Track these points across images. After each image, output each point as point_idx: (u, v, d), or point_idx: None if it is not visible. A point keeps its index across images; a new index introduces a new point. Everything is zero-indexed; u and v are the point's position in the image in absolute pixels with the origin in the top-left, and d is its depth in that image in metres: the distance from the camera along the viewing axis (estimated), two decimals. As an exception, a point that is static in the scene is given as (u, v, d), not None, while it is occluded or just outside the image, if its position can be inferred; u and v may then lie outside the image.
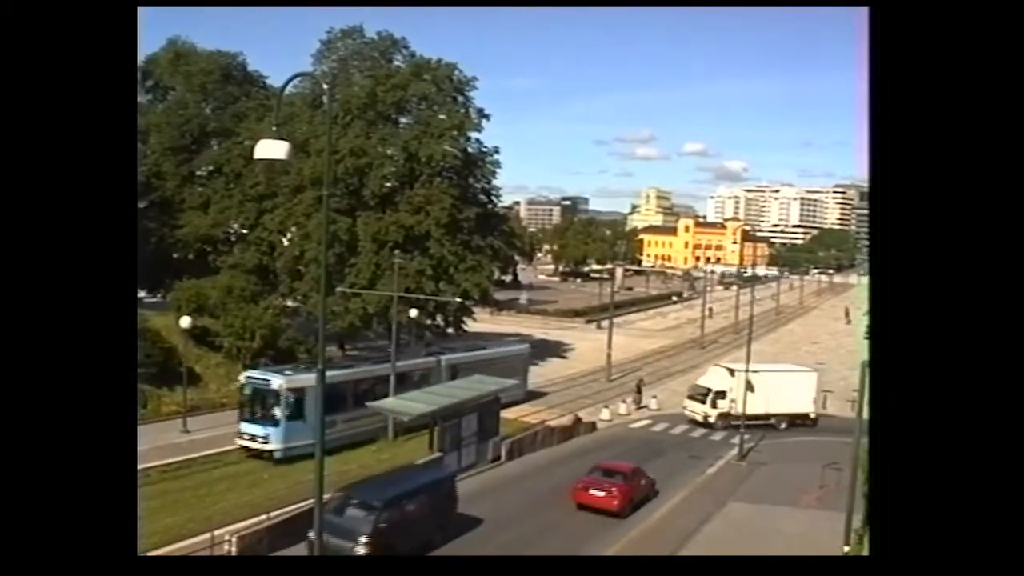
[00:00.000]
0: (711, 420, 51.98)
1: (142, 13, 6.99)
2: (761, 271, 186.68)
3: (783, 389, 53.52)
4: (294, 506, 26.48)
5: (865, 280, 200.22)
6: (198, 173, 70.37)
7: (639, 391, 59.11)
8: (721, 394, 52.26)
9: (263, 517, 25.96)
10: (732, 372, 52.14)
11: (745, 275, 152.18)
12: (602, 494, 32.79)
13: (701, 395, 53.38)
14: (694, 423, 52.66)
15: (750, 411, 47.55)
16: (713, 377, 54.41)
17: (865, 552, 12.20)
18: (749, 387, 47.76)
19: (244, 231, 68.32)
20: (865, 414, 22.86)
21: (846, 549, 20.50)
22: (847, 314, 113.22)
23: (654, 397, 58.00)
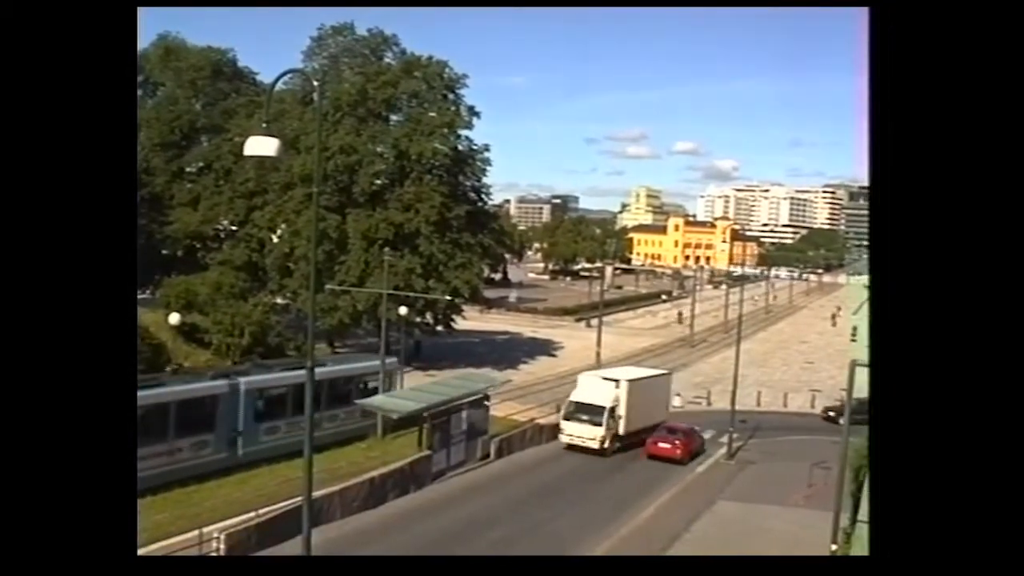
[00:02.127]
0: (605, 444, 42.18)
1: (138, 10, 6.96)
2: (757, 271, 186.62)
3: (657, 396, 48.24)
4: (283, 503, 26.43)
5: (854, 280, 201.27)
6: (188, 169, 70.30)
7: None
8: (611, 411, 42.64)
9: (252, 514, 25.91)
10: (616, 382, 44.18)
11: (735, 274, 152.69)
12: (668, 446, 42.97)
13: (584, 414, 42.62)
14: (573, 449, 42.52)
15: (634, 427, 43.72)
16: (593, 389, 44.00)
17: (852, 551, 12.23)
18: (634, 397, 43.87)
19: (234, 228, 68.32)
20: (854, 413, 22.95)
21: (833, 548, 20.52)
22: (833, 318, 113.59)
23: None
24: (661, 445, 43.00)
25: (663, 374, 52.63)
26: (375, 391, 40.00)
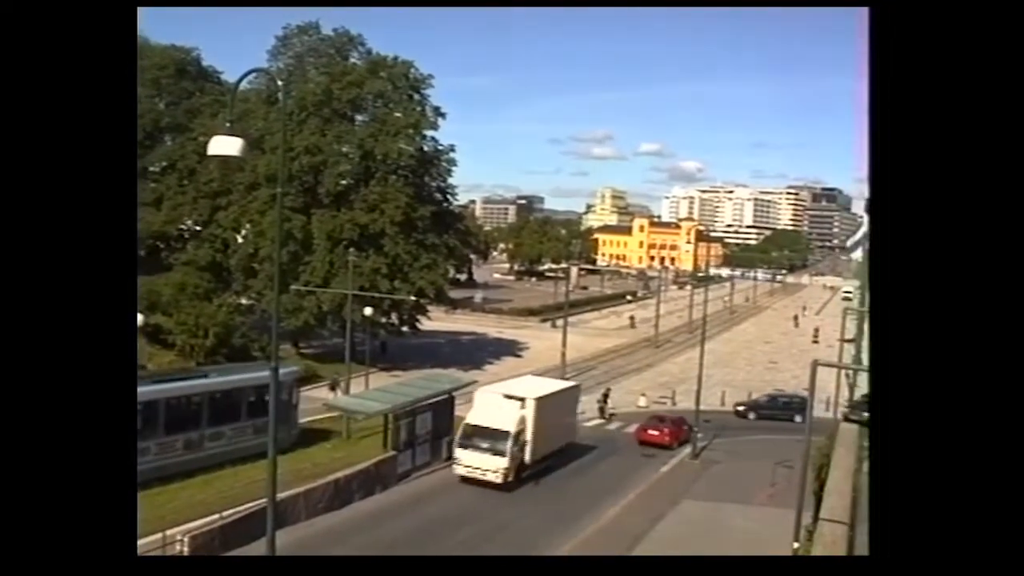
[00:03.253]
0: (508, 478, 35.07)
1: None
2: (725, 272, 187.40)
3: (566, 414, 42.23)
4: (247, 505, 26.33)
5: (818, 280, 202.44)
6: (151, 169, 69.75)
7: (605, 401, 55.21)
8: (516, 436, 35.43)
9: (216, 516, 25.79)
10: (521, 400, 37.07)
11: (700, 275, 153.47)
12: (656, 433, 45.94)
13: (483, 440, 35.33)
14: (469, 482, 35.37)
15: (542, 452, 37.81)
16: (495, 410, 36.66)
17: (814, 550, 12.34)
18: (543, 417, 37.42)
19: (198, 228, 67.96)
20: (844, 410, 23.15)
21: (796, 546, 20.67)
22: (796, 319, 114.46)
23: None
24: (651, 432, 46.15)
25: (572, 387, 45.79)
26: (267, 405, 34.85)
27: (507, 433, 35.00)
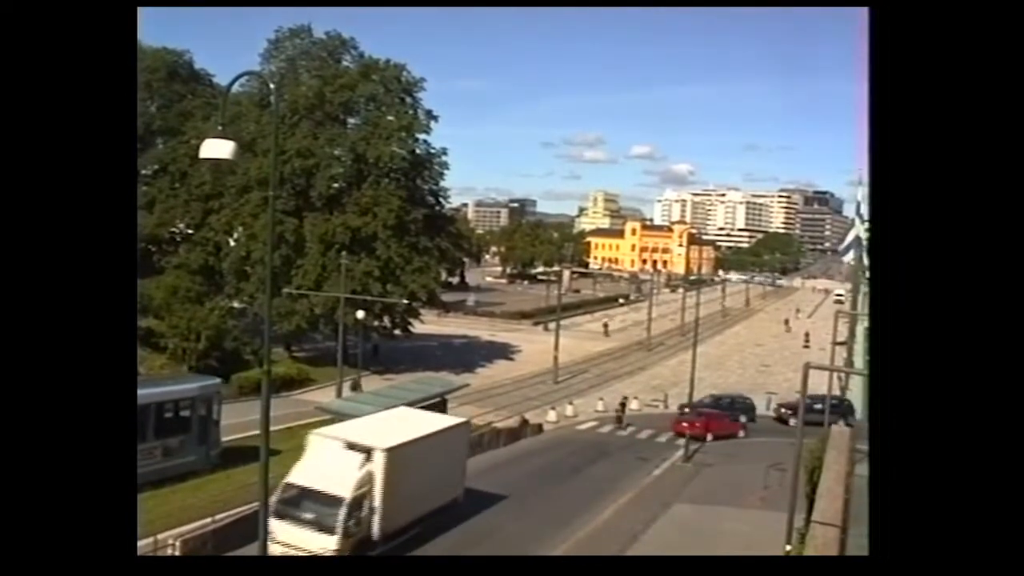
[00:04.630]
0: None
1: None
2: (718, 276, 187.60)
3: (445, 464, 30.10)
4: (239, 509, 26.27)
5: (810, 283, 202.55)
6: (143, 172, 69.51)
7: (623, 409, 53.21)
8: (354, 503, 24.65)
9: (207, 520, 25.74)
10: (367, 452, 25.66)
11: (692, 278, 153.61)
12: (687, 424, 46.69)
13: (307, 508, 24.67)
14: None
15: (405, 519, 27.08)
16: (328, 465, 25.51)
17: (806, 551, 12.35)
18: (402, 473, 26.35)
19: (190, 231, 67.85)
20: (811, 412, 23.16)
21: (788, 548, 20.69)
22: (787, 323, 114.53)
23: (601, 399, 58.07)
24: (683, 424, 47.54)
25: (456, 425, 32.58)
26: (187, 421, 33.29)
27: (340, 500, 24.46)
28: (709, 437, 47.95)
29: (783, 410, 55.49)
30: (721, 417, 50.97)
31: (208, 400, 34.35)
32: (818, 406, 42.65)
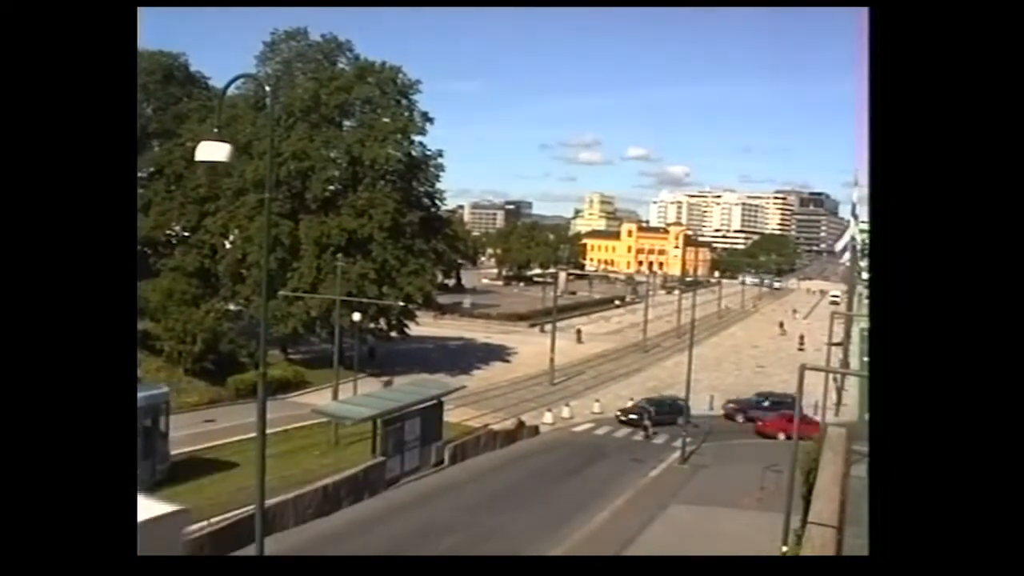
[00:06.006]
0: None
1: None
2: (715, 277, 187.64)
3: None
4: (236, 511, 26.23)
5: (805, 284, 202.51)
6: (139, 174, 69.48)
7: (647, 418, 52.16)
8: None
9: (204, 523, 25.69)
10: None
11: (688, 280, 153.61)
12: (761, 423, 51.60)
13: None
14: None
15: None
16: None
17: (802, 552, 12.37)
18: None
19: (185, 234, 67.75)
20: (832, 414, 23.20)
21: (784, 549, 20.72)
22: (782, 325, 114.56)
23: (597, 401, 58.11)
24: (764, 423, 52.34)
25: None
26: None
27: None
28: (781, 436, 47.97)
29: (731, 405, 58.47)
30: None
31: (154, 411, 32.76)
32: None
